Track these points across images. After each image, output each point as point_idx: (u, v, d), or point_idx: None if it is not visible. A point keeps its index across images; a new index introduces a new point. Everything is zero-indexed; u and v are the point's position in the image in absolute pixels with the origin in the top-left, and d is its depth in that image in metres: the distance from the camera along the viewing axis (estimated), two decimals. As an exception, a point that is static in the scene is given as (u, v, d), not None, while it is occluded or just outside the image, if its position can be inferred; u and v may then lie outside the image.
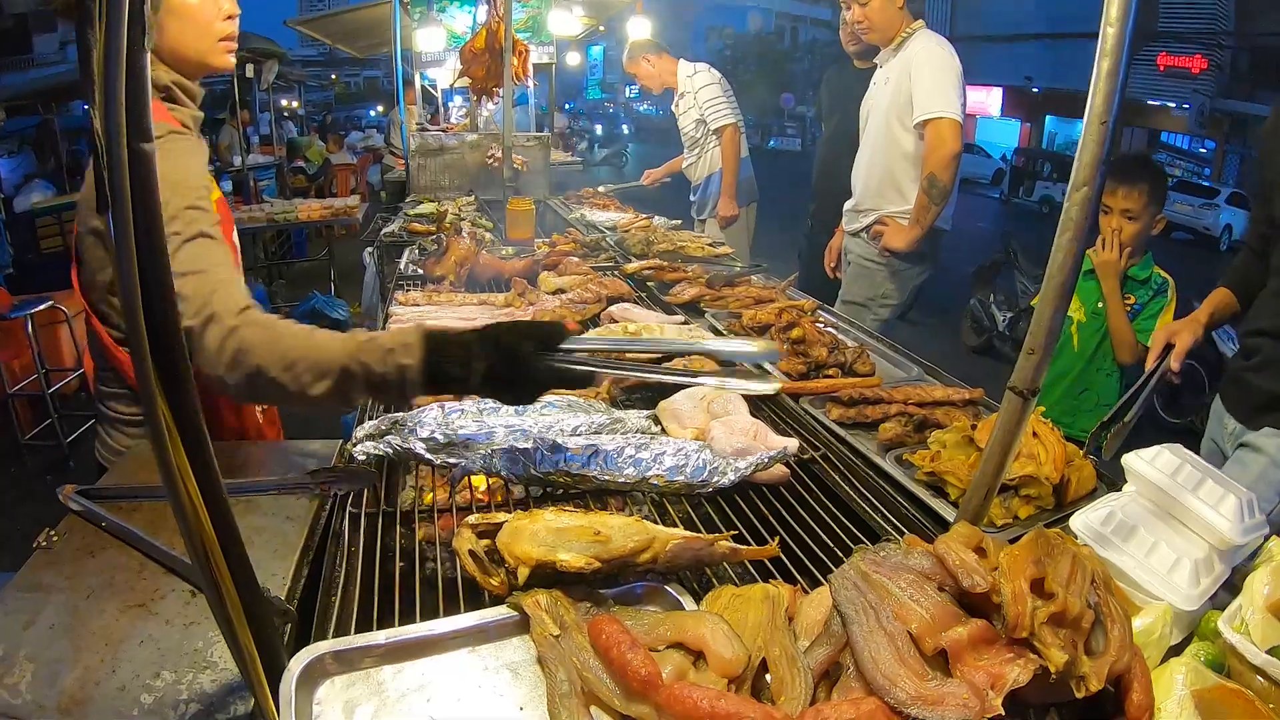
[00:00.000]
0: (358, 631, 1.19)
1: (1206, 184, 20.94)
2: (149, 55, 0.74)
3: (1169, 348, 2.25)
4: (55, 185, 9.52)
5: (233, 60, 1.75)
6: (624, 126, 38.82)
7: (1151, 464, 1.36)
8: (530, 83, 6.70)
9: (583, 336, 1.57)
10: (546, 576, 1.16)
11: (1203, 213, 18.97)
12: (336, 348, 1.32)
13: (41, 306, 5.22)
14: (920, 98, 3.35)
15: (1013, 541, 1.34)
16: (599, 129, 36.04)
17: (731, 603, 1.10)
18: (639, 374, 1.77)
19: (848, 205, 3.94)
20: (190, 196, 1.46)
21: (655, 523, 1.48)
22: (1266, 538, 1.30)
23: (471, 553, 1.22)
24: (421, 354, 1.28)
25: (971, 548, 0.98)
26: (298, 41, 12.46)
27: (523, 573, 1.16)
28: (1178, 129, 26.07)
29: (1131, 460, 1.39)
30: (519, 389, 1.31)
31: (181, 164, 1.51)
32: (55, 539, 1.39)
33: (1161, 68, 24.89)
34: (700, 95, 5.43)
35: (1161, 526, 1.31)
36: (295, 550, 1.37)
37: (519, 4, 8.18)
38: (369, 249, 4.56)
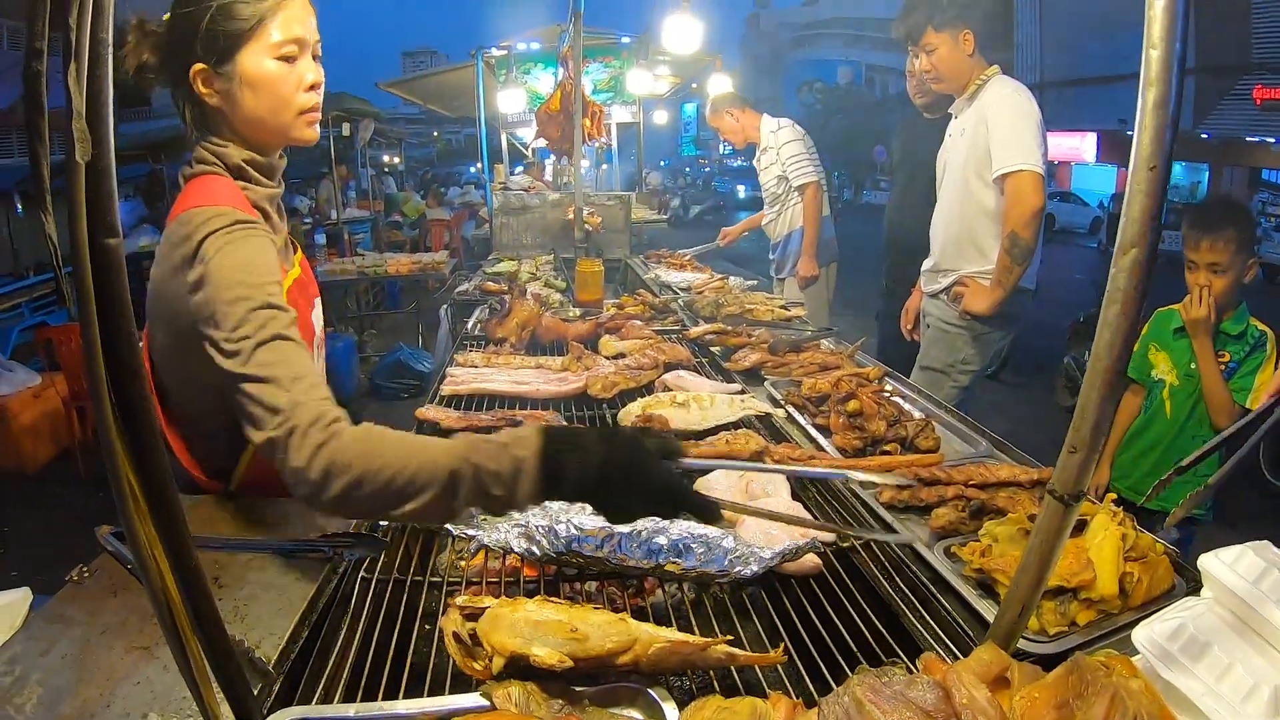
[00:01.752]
0: (346, 699, 1.20)
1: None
2: (112, 158, 0.72)
3: None
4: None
5: (316, 132, 1.66)
6: (727, 186, 38.58)
7: (1231, 567, 1.17)
8: (600, 143, 6.75)
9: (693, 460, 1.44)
10: (523, 668, 1.12)
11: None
12: (443, 450, 1.18)
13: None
14: (998, 150, 3.17)
15: (1060, 658, 1.24)
16: (684, 184, 36.02)
17: (715, 716, 1.02)
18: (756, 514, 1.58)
19: (926, 265, 3.78)
20: (260, 295, 1.35)
21: (684, 610, 1.42)
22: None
23: (456, 635, 1.18)
24: (539, 445, 1.15)
25: (993, 678, 0.87)
26: (401, 100, 12.93)
27: (498, 662, 1.13)
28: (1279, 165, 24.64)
29: (1209, 562, 1.22)
30: (636, 492, 1.16)
31: (249, 260, 1.39)
32: (86, 575, 1.44)
33: (1258, 101, 23.72)
34: (783, 151, 5.37)
35: (1240, 644, 1.14)
36: (297, 611, 1.36)
37: (602, 65, 8.38)
38: (445, 305, 4.64)
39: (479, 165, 9.76)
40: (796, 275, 5.42)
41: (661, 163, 45.19)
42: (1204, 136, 24.64)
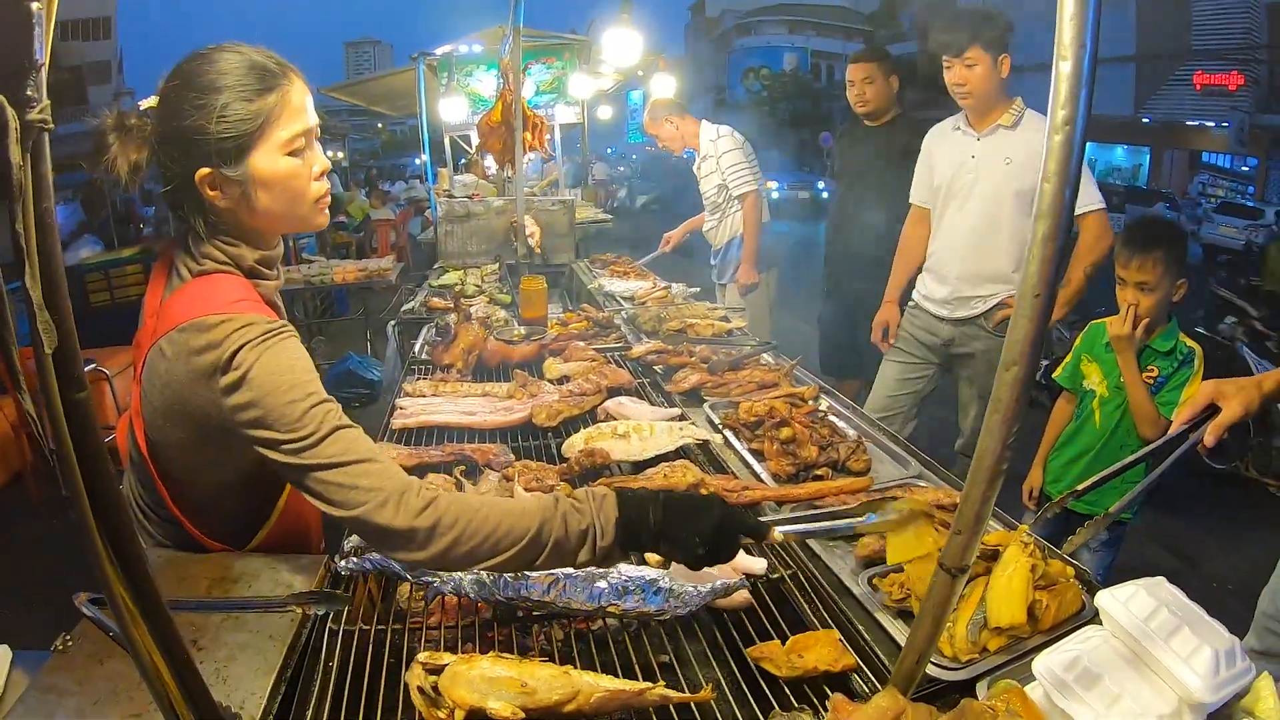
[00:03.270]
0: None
1: (1250, 204, 20.55)
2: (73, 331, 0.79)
3: (1212, 411, 1.81)
4: (103, 240, 9.86)
5: (328, 217, 1.68)
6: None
7: (1125, 605, 1.29)
8: (544, 154, 6.78)
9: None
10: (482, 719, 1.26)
11: (1248, 233, 18.47)
12: (534, 509, 1.36)
13: (87, 368, 5.36)
14: None
15: (971, 684, 1.36)
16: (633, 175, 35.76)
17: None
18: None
19: (942, 293, 3.81)
20: (314, 394, 1.42)
21: (635, 631, 1.54)
22: (1257, 675, 1.24)
23: (420, 688, 1.31)
24: (615, 510, 1.37)
25: (889, 723, 0.98)
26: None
27: (459, 715, 1.26)
28: (1219, 148, 25.48)
29: (1104, 599, 1.33)
30: (696, 537, 1.36)
31: (290, 364, 1.44)
32: (69, 643, 1.47)
33: (1198, 86, 24.43)
34: (723, 160, 5.45)
35: (1131, 675, 1.25)
36: (274, 670, 1.43)
37: (544, 66, 8.39)
38: (391, 323, 4.67)
39: (423, 158, 9.69)
40: (737, 282, 5.51)
41: (608, 149, 45.00)
42: (1145, 121, 25.28)
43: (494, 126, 5.30)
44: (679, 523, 1.36)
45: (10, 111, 0.70)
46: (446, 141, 9.05)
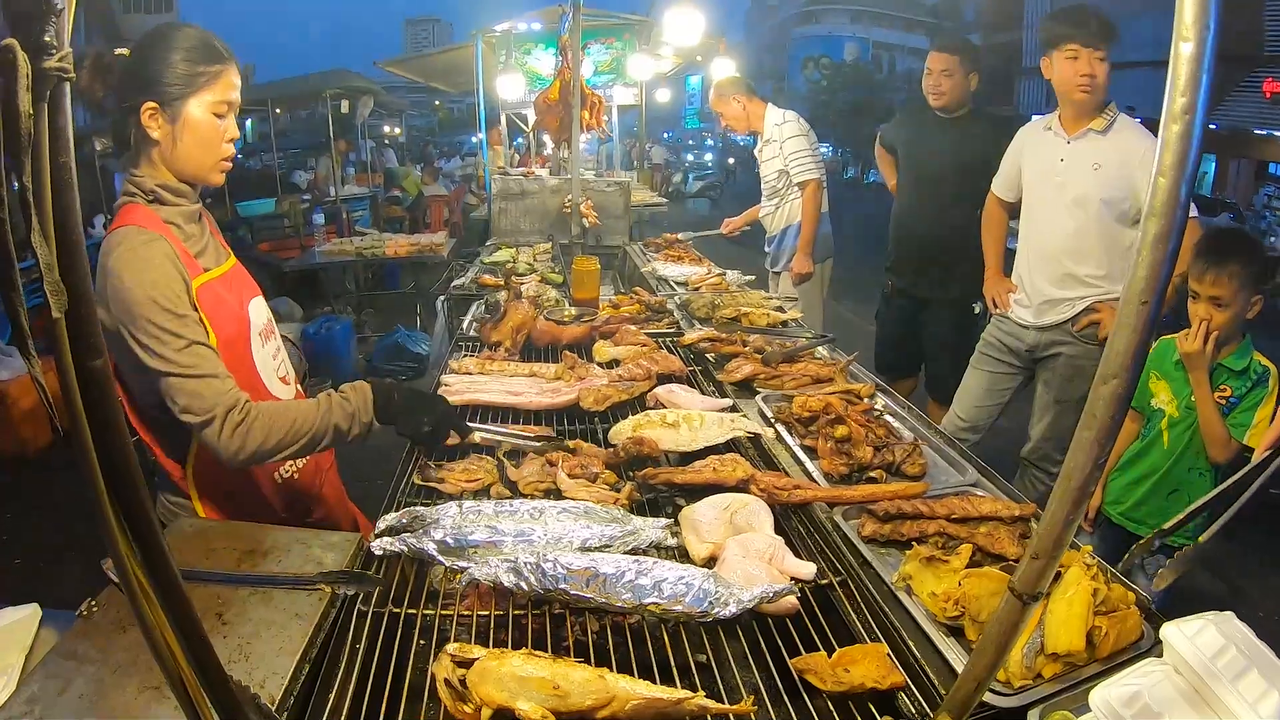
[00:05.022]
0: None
1: (1321, 219, 19.61)
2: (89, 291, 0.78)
3: None
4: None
5: (223, 178, 1.98)
6: (725, 158, 37.92)
7: (1192, 640, 1.20)
8: (601, 133, 6.71)
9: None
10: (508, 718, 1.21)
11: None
12: (312, 415, 1.85)
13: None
14: None
15: (1023, 711, 1.27)
16: (691, 158, 35.56)
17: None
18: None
19: (1028, 299, 3.70)
20: (158, 313, 1.70)
21: (673, 627, 1.48)
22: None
23: (447, 681, 1.27)
24: (372, 397, 1.94)
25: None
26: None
27: (485, 713, 1.22)
28: None
29: (1170, 633, 1.23)
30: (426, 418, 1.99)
31: (141, 277, 1.71)
32: (94, 609, 1.48)
33: (1268, 94, 23.50)
34: (787, 146, 5.32)
35: (1192, 716, 1.17)
36: (298, 650, 1.41)
37: (604, 46, 8.32)
38: (441, 298, 4.65)
39: (480, 136, 9.70)
40: (791, 271, 5.41)
41: (665, 134, 44.83)
42: (1212, 127, 24.42)
43: (551, 104, 5.24)
44: (414, 407, 1.98)
45: (22, 56, 0.64)
46: (503, 118, 9.03)
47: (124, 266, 1.70)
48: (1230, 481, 1.70)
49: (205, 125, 1.85)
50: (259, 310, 2.09)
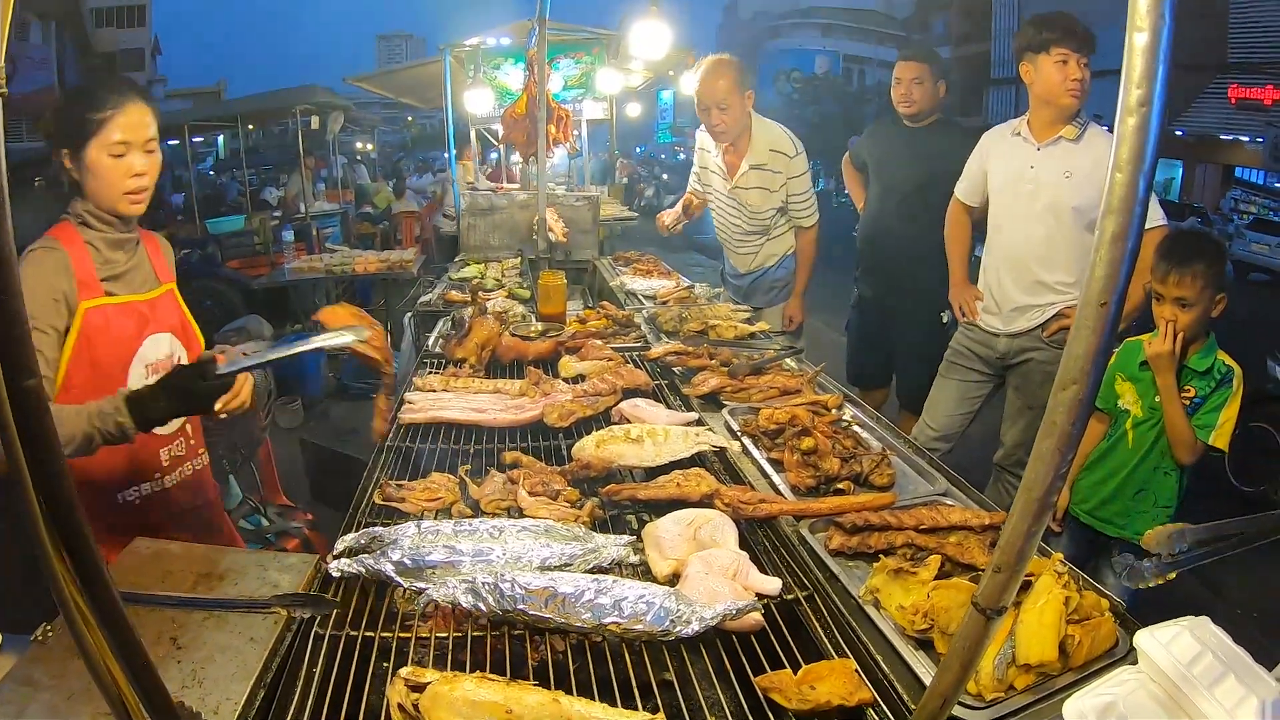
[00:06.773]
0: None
1: (1284, 221, 19.91)
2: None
3: None
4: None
5: (140, 208, 2.10)
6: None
7: (1166, 647, 1.18)
8: (569, 147, 6.66)
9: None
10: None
11: (1280, 251, 17.87)
12: (77, 422, 1.75)
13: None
14: None
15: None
16: (665, 177, 35.38)
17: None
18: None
19: (997, 307, 3.68)
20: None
21: (637, 646, 1.45)
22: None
23: (400, 705, 1.24)
24: (126, 405, 1.78)
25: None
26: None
27: None
28: (1252, 163, 24.53)
29: (1144, 640, 1.22)
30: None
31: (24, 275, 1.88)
32: (50, 634, 1.45)
33: (1233, 100, 23.98)
34: (794, 184, 4.57)
35: None
36: (253, 674, 1.39)
37: (573, 60, 8.32)
38: (408, 315, 4.60)
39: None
40: (784, 316, 4.81)
41: (637, 148, 44.86)
42: (1178, 134, 24.86)
43: (518, 119, 5.23)
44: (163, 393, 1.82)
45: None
46: (473, 133, 8.99)
47: (23, 265, 1.82)
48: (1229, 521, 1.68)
49: (102, 166, 2.00)
50: (159, 346, 2.20)
